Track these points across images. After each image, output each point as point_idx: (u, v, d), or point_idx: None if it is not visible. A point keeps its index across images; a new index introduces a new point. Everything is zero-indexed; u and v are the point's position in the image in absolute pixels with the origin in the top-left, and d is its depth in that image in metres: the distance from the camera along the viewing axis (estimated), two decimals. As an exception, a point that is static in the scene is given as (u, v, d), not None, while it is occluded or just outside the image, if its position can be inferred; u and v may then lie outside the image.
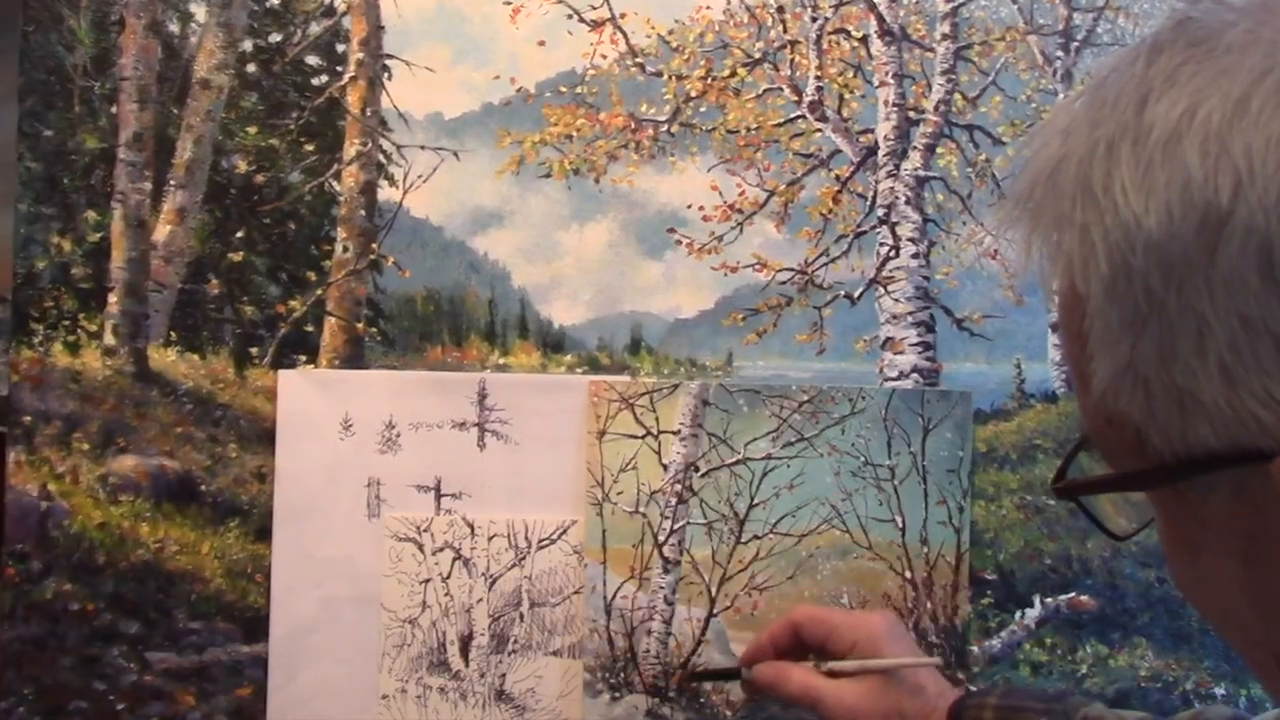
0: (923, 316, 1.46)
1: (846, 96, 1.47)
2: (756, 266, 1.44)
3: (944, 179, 1.47)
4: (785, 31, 1.45)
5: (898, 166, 1.46)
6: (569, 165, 1.42)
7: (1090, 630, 1.47)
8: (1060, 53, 1.50)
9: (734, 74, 1.45)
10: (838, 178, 1.46)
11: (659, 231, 1.43)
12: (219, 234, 1.38)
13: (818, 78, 1.46)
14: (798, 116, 1.46)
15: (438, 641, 1.37)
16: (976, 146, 1.48)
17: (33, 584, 1.32)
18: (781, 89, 1.46)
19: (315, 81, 1.40)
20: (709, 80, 1.44)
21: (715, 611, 1.39)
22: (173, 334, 1.37)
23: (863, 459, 1.41)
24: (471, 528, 1.37)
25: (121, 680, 1.33)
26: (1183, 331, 0.61)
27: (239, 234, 1.38)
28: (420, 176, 1.40)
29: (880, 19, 1.46)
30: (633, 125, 1.43)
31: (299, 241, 1.40)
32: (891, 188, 1.46)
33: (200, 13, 1.38)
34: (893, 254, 1.46)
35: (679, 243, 1.44)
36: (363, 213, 1.40)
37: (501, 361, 1.41)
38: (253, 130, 1.39)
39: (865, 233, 1.46)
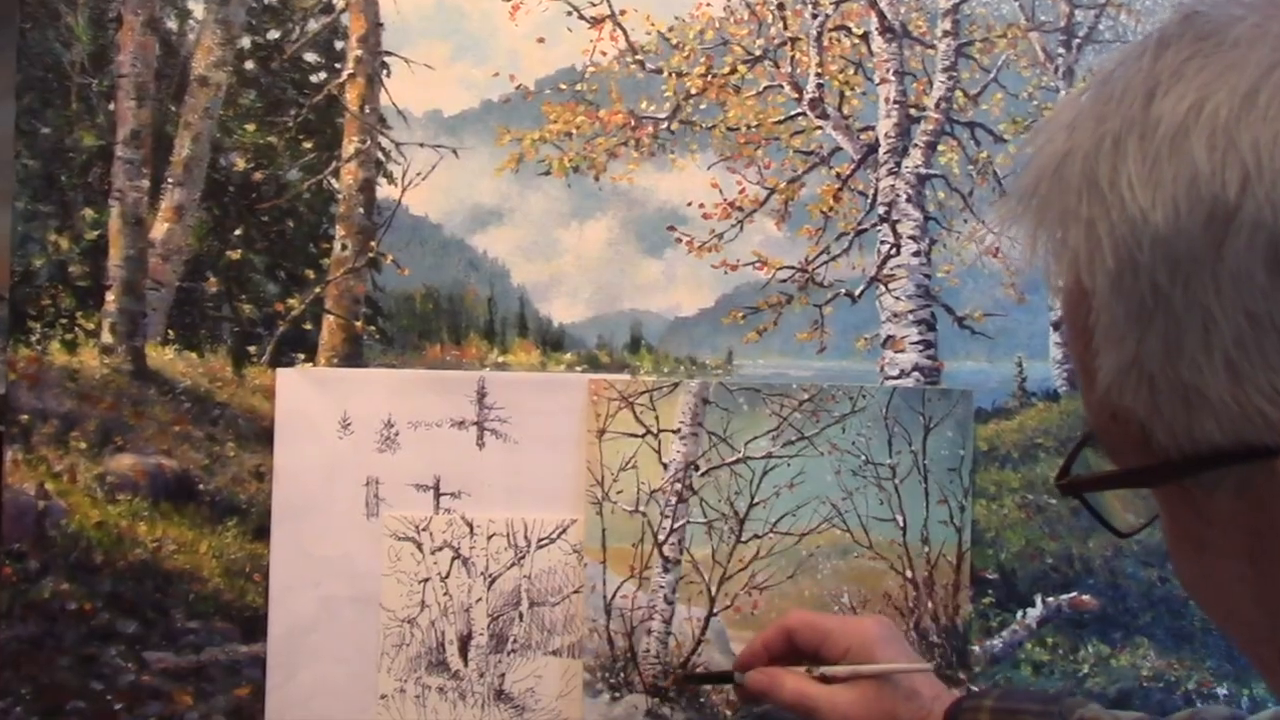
0: (924, 315, 1.46)
1: (847, 94, 1.46)
2: (757, 264, 1.44)
3: (945, 177, 1.47)
4: (786, 28, 1.45)
5: (899, 164, 1.46)
6: (568, 163, 1.42)
7: (1092, 630, 1.46)
8: (1062, 50, 1.49)
9: (734, 71, 1.44)
10: (838, 175, 1.46)
11: (659, 229, 1.43)
12: (217, 232, 1.37)
13: (818, 75, 1.45)
14: (798, 114, 1.45)
15: (437, 641, 1.36)
16: (978, 144, 1.48)
17: (30, 583, 1.31)
18: (782, 86, 1.45)
19: (314, 79, 1.39)
20: (709, 77, 1.44)
21: (715, 611, 1.39)
22: (170, 332, 1.36)
23: (863, 458, 1.41)
24: (470, 527, 1.36)
25: (119, 680, 1.32)
26: (1189, 327, 0.61)
27: (237, 232, 1.38)
28: (419, 174, 1.40)
29: (881, 16, 1.46)
30: (633, 123, 1.43)
31: (297, 239, 1.39)
32: (892, 185, 1.46)
33: (198, 9, 1.37)
34: (894, 252, 1.46)
35: (679, 241, 1.43)
36: (361, 210, 1.39)
37: (501, 360, 1.41)
38: (251, 127, 1.38)
39: (866, 230, 1.46)
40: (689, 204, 1.43)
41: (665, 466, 1.38)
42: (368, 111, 1.39)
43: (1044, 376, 1.48)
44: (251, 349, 1.37)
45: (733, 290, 1.44)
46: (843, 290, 1.45)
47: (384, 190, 1.40)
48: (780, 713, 1.24)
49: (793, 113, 1.45)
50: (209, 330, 1.37)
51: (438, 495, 1.37)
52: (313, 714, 1.35)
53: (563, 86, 1.42)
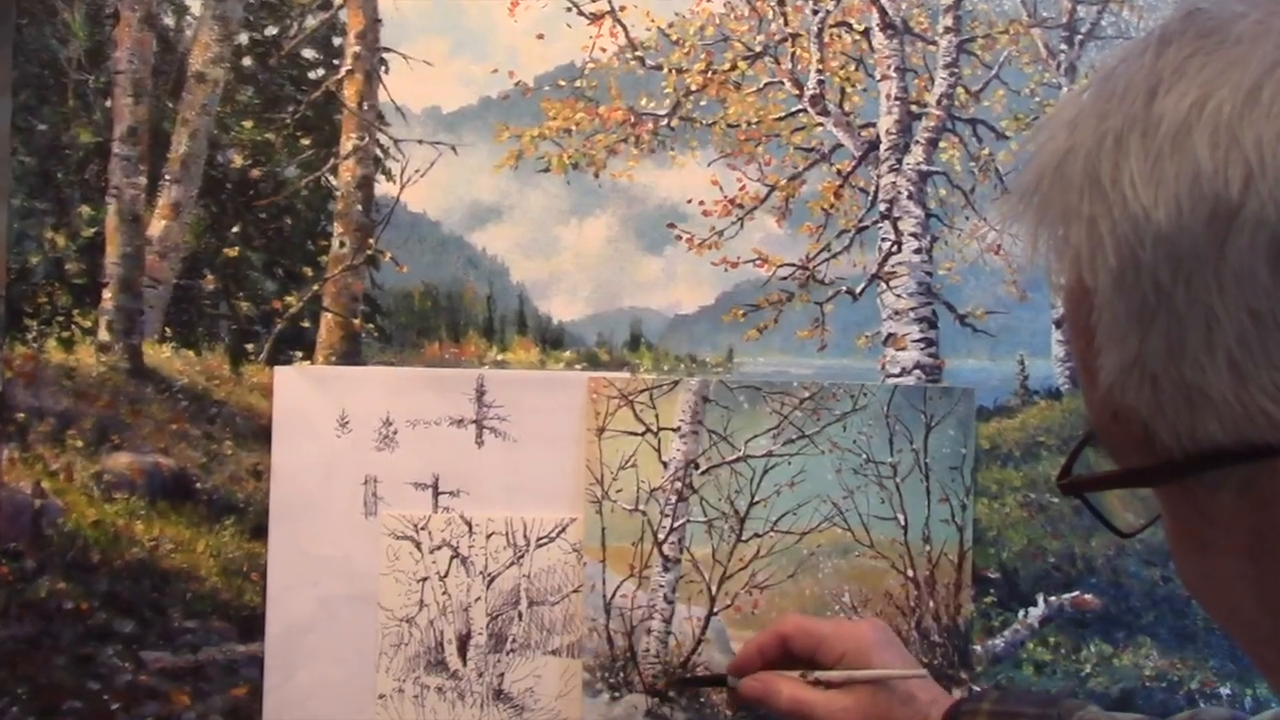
0: (925, 312, 1.45)
1: (848, 90, 1.46)
2: (757, 262, 1.43)
3: (946, 174, 1.46)
4: (786, 25, 1.44)
5: (900, 161, 1.45)
6: (568, 160, 1.41)
7: (1094, 629, 1.46)
8: (1064, 46, 1.49)
9: (734, 67, 1.44)
10: (839, 172, 1.45)
11: (659, 226, 1.42)
12: (214, 229, 1.37)
13: (819, 71, 1.45)
14: (799, 110, 1.45)
15: (435, 641, 1.36)
16: (979, 141, 1.47)
17: (26, 583, 1.31)
18: (782, 83, 1.45)
19: (311, 75, 1.39)
20: (709, 74, 1.43)
21: (715, 610, 1.38)
22: (168, 330, 1.36)
23: (864, 456, 1.40)
24: (469, 526, 1.36)
25: (116, 680, 1.32)
26: (1191, 325, 0.61)
27: (235, 229, 1.37)
28: (418, 171, 1.39)
29: (882, 12, 1.45)
30: (632, 119, 1.42)
31: (295, 237, 1.39)
32: (893, 182, 1.45)
33: (195, 6, 1.37)
34: (895, 249, 1.45)
35: (679, 238, 1.43)
36: (360, 207, 1.39)
37: (500, 358, 1.40)
38: (248, 124, 1.38)
39: (867, 228, 1.45)
40: (689, 201, 1.43)
41: (665, 465, 1.38)
42: (366, 108, 1.39)
43: (1046, 374, 1.47)
44: (249, 347, 1.37)
45: (733, 288, 1.43)
46: (844, 288, 1.45)
47: (382, 187, 1.39)
48: (775, 717, 1.24)
49: (793, 109, 1.45)
50: (206, 328, 1.37)
51: (436, 494, 1.36)
52: (310, 714, 1.34)
53: (562, 83, 1.41)
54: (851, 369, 1.44)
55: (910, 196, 1.45)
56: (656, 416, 1.38)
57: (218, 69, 1.37)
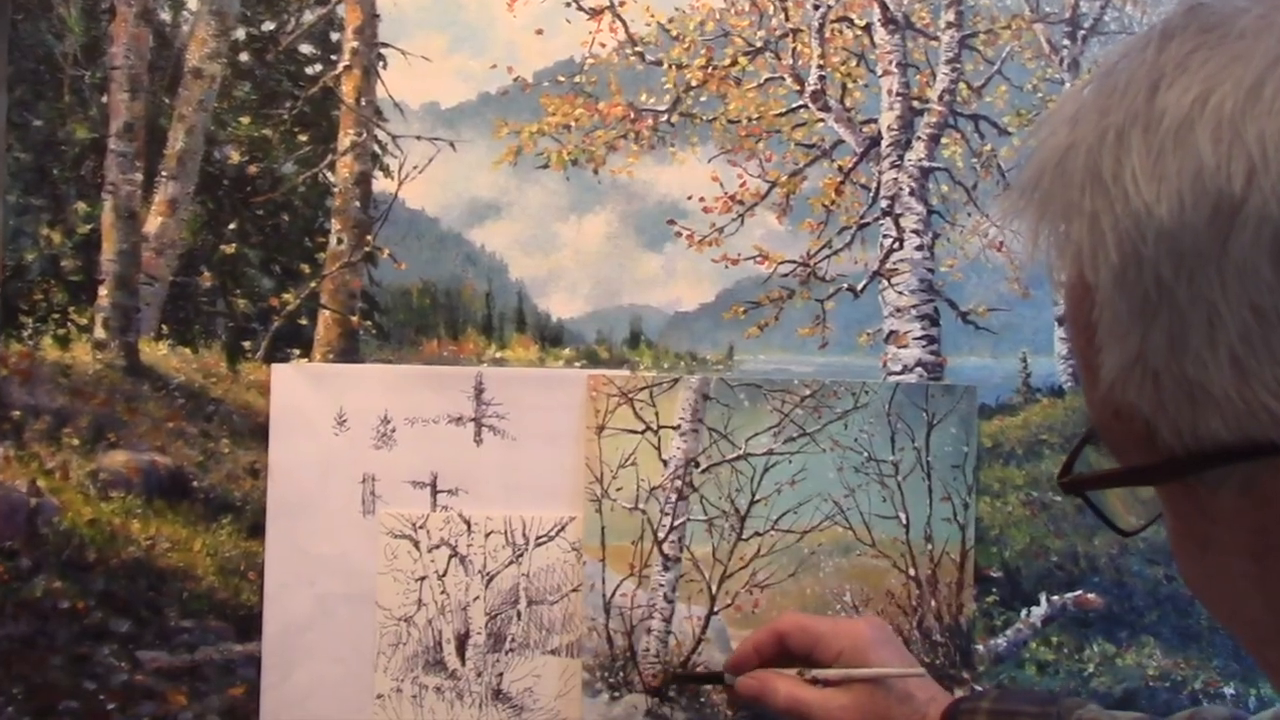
0: (927, 310, 1.45)
1: (849, 86, 1.45)
2: (758, 259, 1.43)
3: (948, 170, 1.46)
4: (787, 19, 1.44)
5: (901, 157, 1.45)
6: (567, 156, 1.41)
7: (1097, 629, 1.45)
8: (1067, 41, 1.48)
9: (735, 63, 1.43)
10: (840, 168, 1.44)
11: (659, 223, 1.42)
12: (211, 226, 1.36)
13: (820, 67, 1.44)
14: (800, 106, 1.44)
15: (434, 640, 1.35)
16: (982, 137, 1.47)
17: (22, 582, 1.30)
18: (783, 78, 1.44)
19: (309, 70, 1.38)
20: (709, 69, 1.43)
21: (716, 609, 1.38)
22: (164, 327, 1.35)
23: (866, 454, 1.40)
24: (468, 524, 1.35)
25: (112, 680, 1.31)
26: (1194, 322, 0.61)
27: (231, 226, 1.37)
28: (416, 167, 1.38)
29: (884, 7, 1.45)
30: (632, 115, 1.42)
31: (292, 233, 1.38)
32: (895, 179, 1.45)
33: (192, 1, 1.36)
34: (896, 246, 1.45)
35: (679, 234, 1.42)
36: (357, 204, 1.38)
37: (499, 355, 1.40)
38: (246, 120, 1.37)
39: (868, 224, 1.45)
40: (689, 197, 1.42)
41: (665, 463, 1.37)
42: (364, 104, 1.38)
43: (1049, 372, 1.47)
44: (246, 344, 1.36)
45: (733, 285, 1.43)
46: (845, 285, 1.44)
47: (380, 183, 1.38)
48: (773, 716, 1.24)
49: (794, 105, 1.44)
50: (203, 325, 1.36)
51: (435, 492, 1.36)
52: (308, 714, 1.33)
53: (561, 78, 1.41)
54: (853, 366, 1.44)
55: (912, 193, 1.45)
56: (656, 414, 1.37)
57: (214, 64, 1.36)
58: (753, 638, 1.27)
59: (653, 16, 1.42)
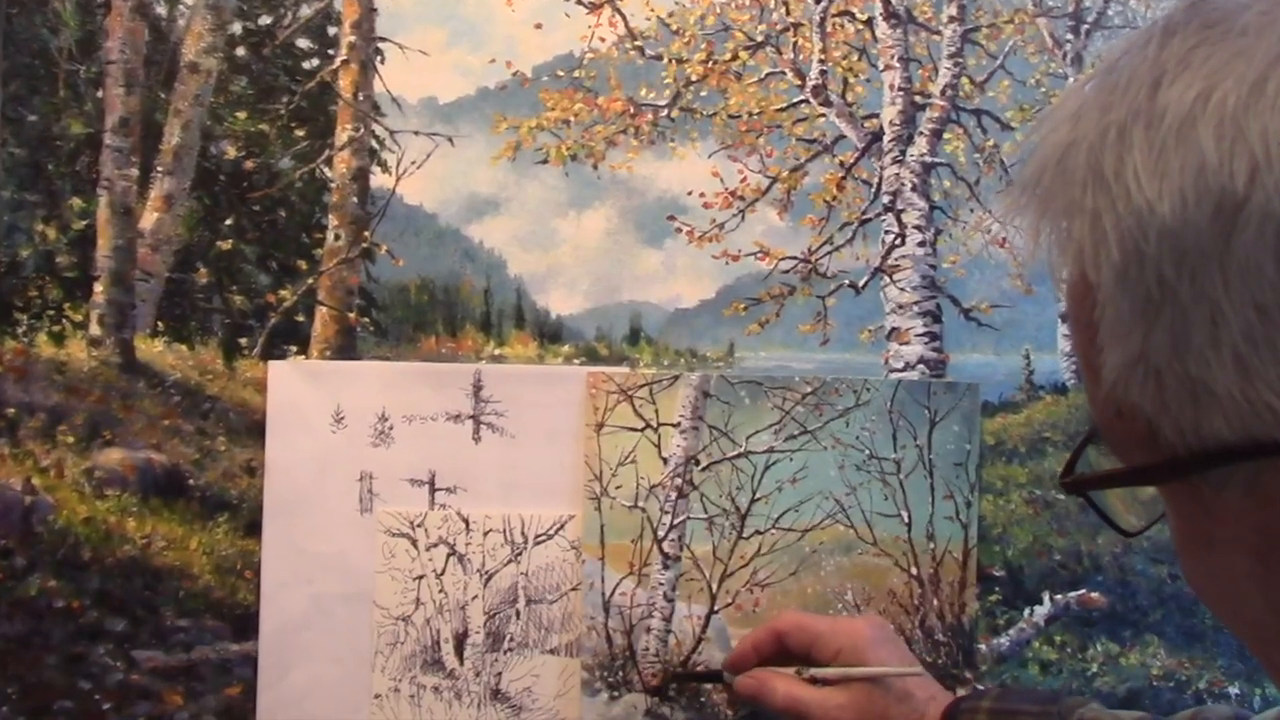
0: (929, 306, 1.44)
1: (851, 81, 1.45)
2: (759, 255, 1.42)
3: (951, 165, 1.46)
4: (788, 14, 1.43)
5: (903, 152, 1.44)
6: (566, 151, 1.40)
7: (1101, 628, 1.45)
8: (1070, 36, 1.48)
9: (735, 57, 1.43)
10: (842, 164, 1.44)
11: (659, 219, 1.41)
12: (207, 222, 1.36)
13: (821, 61, 1.44)
14: (801, 101, 1.44)
15: (432, 639, 1.34)
16: (984, 132, 1.46)
17: (16, 581, 1.30)
18: (784, 73, 1.44)
19: (306, 65, 1.38)
20: (710, 64, 1.42)
21: (716, 608, 1.37)
22: (160, 324, 1.35)
23: (867, 452, 1.39)
24: (466, 523, 1.35)
25: (108, 679, 1.31)
26: (1196, 320, 0.60)
27: (228, 222, 1.36)
28: (414, 162, 1.38)
29: (885, 1, 1.44)
30: (632, 110, 1.41)
31: (289, 229, 1.37)
32: (897, 174, 1.44)
33: (188, -5, 1.36)
34: (898, 242, 1.44)
35: (679, 230, 1.41)
36: (355, 200, 1.37)
37: (497, 352, 1.39)
38: (242, 115, 1.36)
39: (870, 220, 1.44)
40: (689, 193, 1.42)
41: (665, 461, 1.37)
42: (361, 99, 1.37)
43: (1052, 369, 1.47)
44: (243, 341, 1.36)
45: (734, 281, 1.42)
46: (846, 281, 1.44)
47: (378, 179, 1.38)
48: (771, 716, 1.23)
49: (795, 100, 1.44)
50: (199, 322, 1.35)
51: (433, 490, 1.35)
52: (305, 714, 1.33)
53: (560, 73, 1.40)
54: (854, 364, 1.44)
55: (914, 188, 1.44)
56: (656, 412, 1.37)
57: (211, 59, 1.36)
58: (751, 636, 1.27)
59: (653, 11, 1.41)
